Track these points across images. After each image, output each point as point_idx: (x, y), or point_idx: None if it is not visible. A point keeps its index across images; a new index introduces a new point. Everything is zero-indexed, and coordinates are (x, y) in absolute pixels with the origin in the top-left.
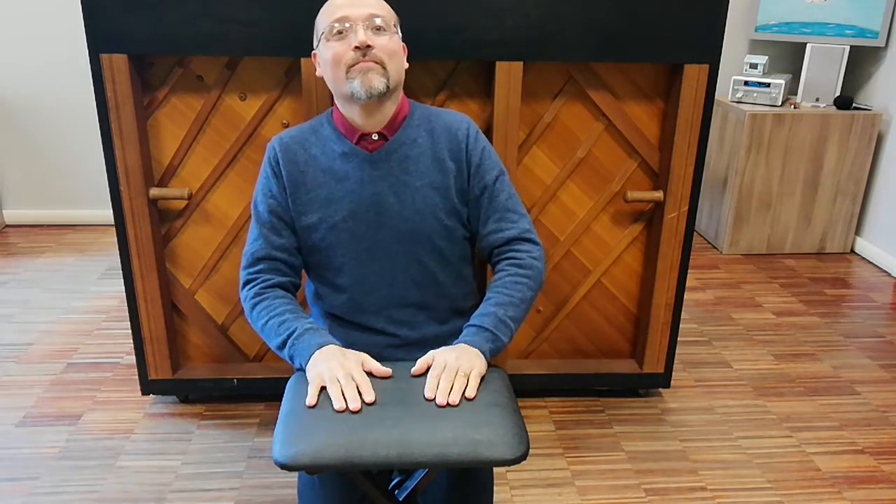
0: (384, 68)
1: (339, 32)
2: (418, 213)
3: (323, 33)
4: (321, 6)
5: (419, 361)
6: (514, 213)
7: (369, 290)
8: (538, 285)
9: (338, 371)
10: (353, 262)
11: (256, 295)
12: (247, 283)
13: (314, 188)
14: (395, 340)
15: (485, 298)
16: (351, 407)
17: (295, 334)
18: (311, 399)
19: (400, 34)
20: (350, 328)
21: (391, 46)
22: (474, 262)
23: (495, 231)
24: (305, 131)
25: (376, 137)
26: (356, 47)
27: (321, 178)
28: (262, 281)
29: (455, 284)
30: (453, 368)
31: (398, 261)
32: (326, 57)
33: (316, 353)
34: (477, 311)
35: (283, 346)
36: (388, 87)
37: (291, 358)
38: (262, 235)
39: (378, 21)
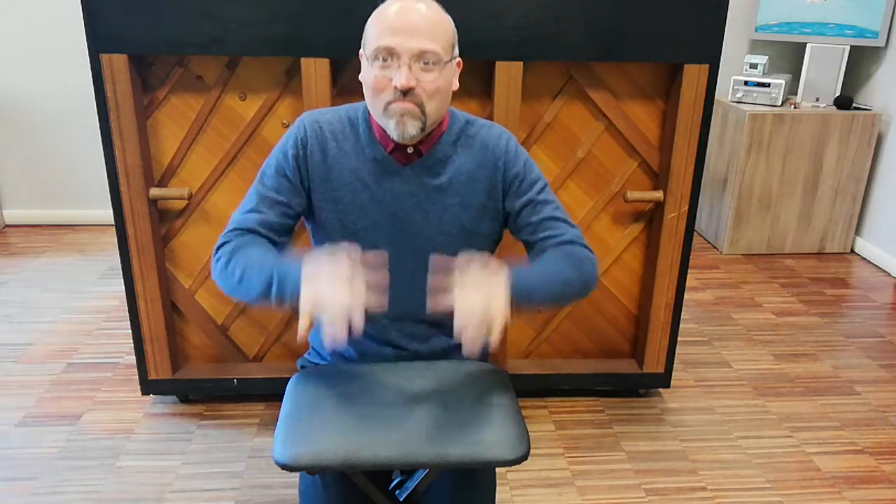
0: (423, 111)
1: (385, 60)
2: (443, 234)
3: (368, 50)
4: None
5: (441, 304)
6: (565, 222)
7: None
8: (584, 283)
9: (337, 302)
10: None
11: (232, 251)
12: (224, 243)
13: (339, 187)
14: (404, 353)
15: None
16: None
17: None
18: (301, 333)
19: (455, 55)
20: (361, 336)
21: (435, 85)
22: None
23: (548, 238)
24: (343, 120)
25: (411, 151)
26: (396, 87)
27: (348, 179)
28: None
29: None
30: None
31: (417, 278)
32: (367, 79)
33: (303, 276)
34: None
35: (268, 289)
36: (422, 130)
37: (282, 295)
38: (258, 210)
39: (427, 57)
